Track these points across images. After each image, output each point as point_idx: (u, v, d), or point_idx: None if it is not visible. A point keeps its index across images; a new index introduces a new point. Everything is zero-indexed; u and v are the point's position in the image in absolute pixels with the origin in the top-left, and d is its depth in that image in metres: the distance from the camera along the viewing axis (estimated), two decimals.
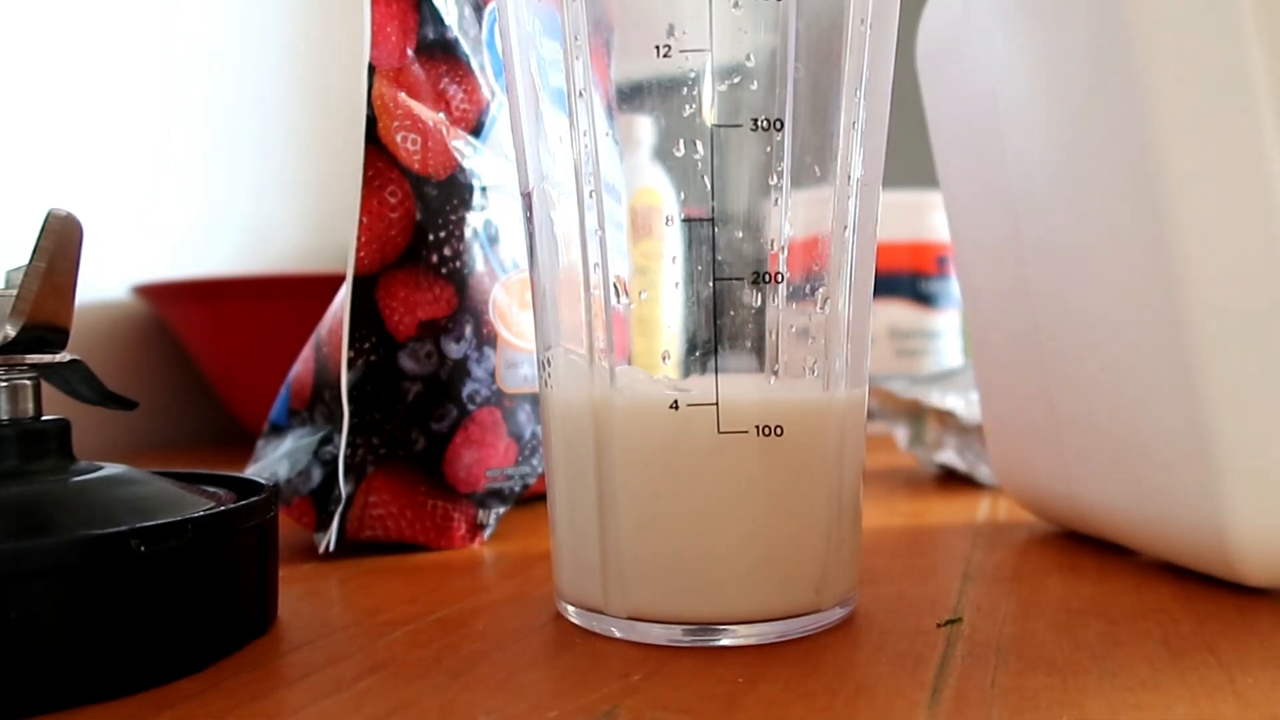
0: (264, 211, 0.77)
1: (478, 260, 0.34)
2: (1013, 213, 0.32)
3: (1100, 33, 0.27)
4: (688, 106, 0.22)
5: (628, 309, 0.23)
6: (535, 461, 0.36)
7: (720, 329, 0.23)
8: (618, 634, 0.24)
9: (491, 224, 0.35)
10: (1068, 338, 0.31)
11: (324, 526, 0.33)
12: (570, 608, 0.25)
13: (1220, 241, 0.25)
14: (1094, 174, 0.28)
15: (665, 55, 0.22)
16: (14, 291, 0.23)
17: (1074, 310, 0.30)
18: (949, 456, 0.47)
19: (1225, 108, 0.24)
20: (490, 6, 0.37)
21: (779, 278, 0.23)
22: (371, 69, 0.33)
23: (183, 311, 0.62)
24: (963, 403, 0.46)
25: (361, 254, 0.32)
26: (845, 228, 0.24)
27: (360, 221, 0.32)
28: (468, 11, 0.36)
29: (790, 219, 0.23)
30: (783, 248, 0.23)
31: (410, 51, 0.34)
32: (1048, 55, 0.29)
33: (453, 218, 0.34)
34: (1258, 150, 0.24)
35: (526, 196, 0.25)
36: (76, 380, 0.25)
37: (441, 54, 0.34)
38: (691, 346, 0.23)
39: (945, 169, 0.36)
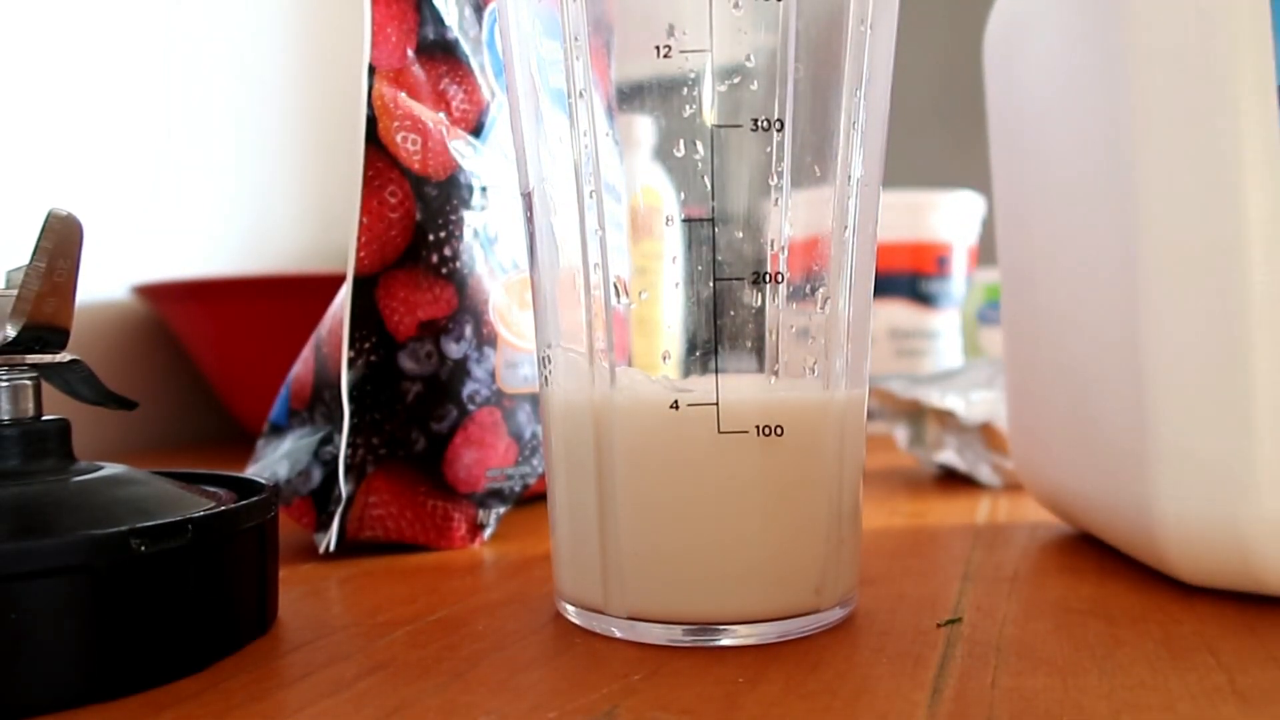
0: (264, 211, 0.77)
1: (478, 260, 0.34)
2: (1025, 204, 0.32)
3: (1100, 33, 0.27)
4: (688, 107, 0.22)
5: (628, 309, 0.23)
6: (535, 461, 0.36)
7: (720, 329, 0.23)
8: (618, 634, 0.24)
9: (491, 224, 0.35)
10: (1055, 326, 0.31)
11: (324, 526, 0.33)
12: (570, 608, 0.25)
13: (1178, 234, 0.26)
14: (1081, 164, 0.29)
15: (665, 55, 0.22)
16: (14, 291, 0.23)
17: (1058, 298, 0.31)
18: (949, 456, 0.47)
19: (1201, 113, 0.25)
20: (490, 7, 0.37)
21: (779, 278, 0.23)
22: (371, 69, 0.33)
23: (183, 311, 0.62)
24: (963, 403, 0.46)
25: (361, 254, 0.32)
26: (845, 228, 0.24)
27: (360, 221, 0.32)
28: (468, 12, 0.36)
29: (790, 219, 0.23)
30: (783, 248, 0.23)
31: (410, 52, 0.34)
32: (1064, 54, 0.30)
33: (453, 218, 0.34)
34: (1226, 156, 0.25)
35: (527, 197, 0.25)
36: (76, 380, 0.25)
37: (441, 54, 0.34)
38: (691, 346, 0.23)
39: (995, 163, 0.37)
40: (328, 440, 0.34)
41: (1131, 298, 0.27)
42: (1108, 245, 0.28)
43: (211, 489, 0.26)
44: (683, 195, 0.23)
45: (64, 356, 0.24)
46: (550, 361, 0.25)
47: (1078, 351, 0.30)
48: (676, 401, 0.23)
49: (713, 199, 0.23)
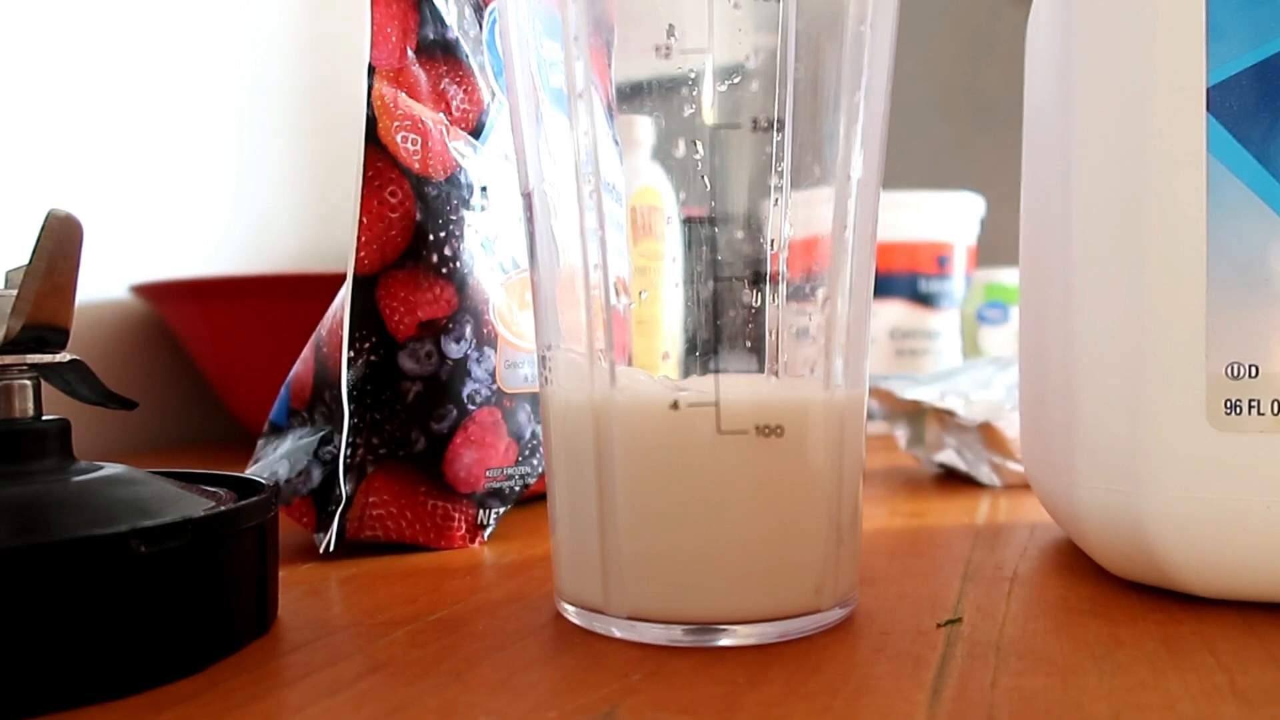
0: (264, 211, 0.77)
1: (478, 260, 0.34)
2: (1027, 202, 0.33)
3: (1060, 38, 0.29)
4: (687, 107, 0.22)
5: (628, 309, 0.23)
6: (535, 461, 0.36)
7: (720, 329, 0.23)
8: (618, 634, 0.24)
9: (492, 224, 0.35)
10: (1031, 326, 0.32)
11: (324, 526, 0.33)
12: (570, 608, 0.25)
13: (1100, 232, 0.27)
14: (1049, 165, 0.30)
15: (665, 55, 0.22)
16: (14, 291, 0.23)
17: (1037, 298, 0.32)
18: (949, 456, 0.47)
19: (1126, 128, 0.26)
20: (490, 6, 0.37)
21: (779, 278, 0.23)
22: (371, 69, 0.33)
23: (183, 311, 0.62)
24: (963, 403, 0.46)
25: (361, 254, 0.32)
26: (845, 228, 0.24)
27: (360, 221, 0.32)
28: (468, 11, 0.36)
29: (790, 219, 0.23)
30: (783, 248, 0.23)
31: (410, 52, 0.34)
32: (1049, 56, 0.30)
33: (453, 218, 0.34)
34: (1141, 165, 0.26)
35: (526, 197, 0.25)
36: (76, 380, 0.25)
37: (441, 54, 0.34)
38: (691, 346, 0.23)
39: (1023, 161, 0.38)
40: (328, 440, 0.34)
41: (1066, 294, 0.28)
42: (1057, 243, 0.29)
43: (211, 489, 0.26)
44: (682, 195, 0.23)
45: (64, 356, 0.24)
46: (550, 361, 0.25)
47: (1044, 348, 0.31)
48: (676, 401, 0.23)
49: (712, 199, 0.23)
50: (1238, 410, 0.24)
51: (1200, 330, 0.25)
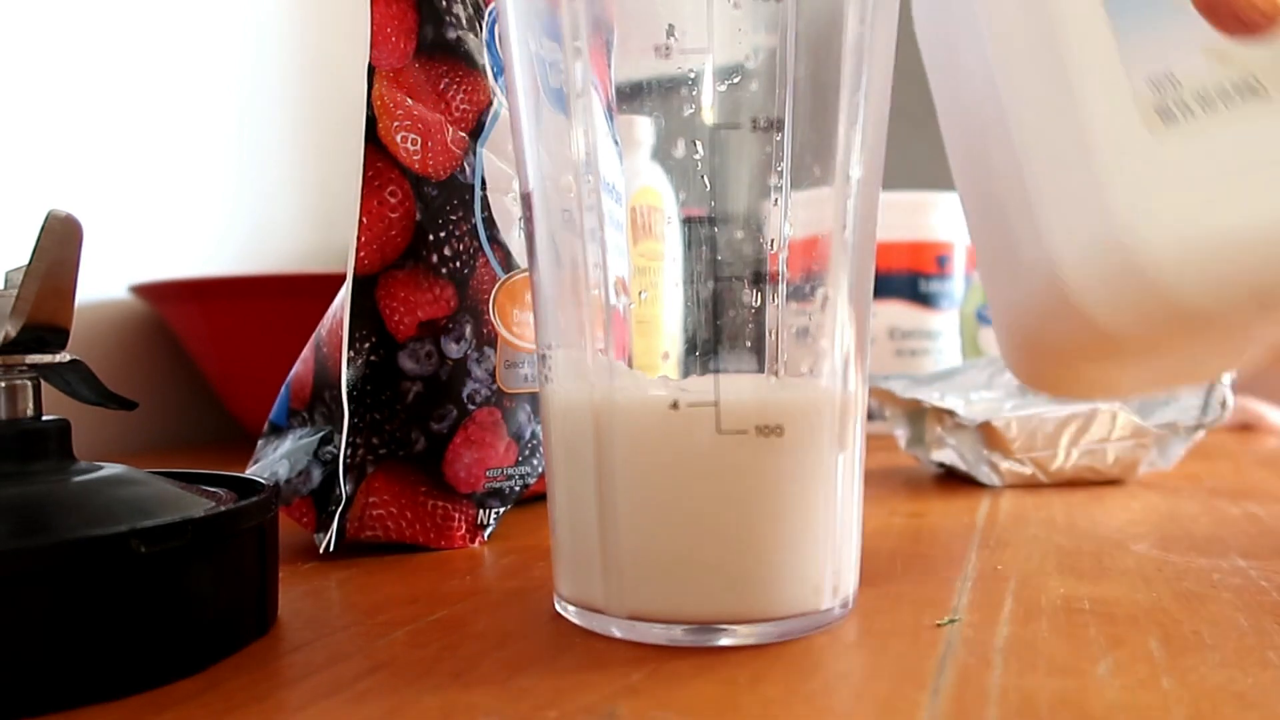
0: (264, 211, 0.77)
1: (478, 260, 0.34)
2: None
3: None
4: (687, 107, 0.22)
5: (628, 309, 0.23)
6: (535, 461, 0.36)
7: (720, 329, 0.23)
8: (618, 634, 0.24)
9: (492, 224, 0.35)
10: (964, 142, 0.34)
11: (324, 526, 0.33)
12: (570, 608, 0.25)
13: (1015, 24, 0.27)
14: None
15: (665, 55, 0.22)
16: (14, 291, 0.23)
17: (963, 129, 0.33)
18: (949, 456, 0.47)
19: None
20: (490, 6, 0.37)
21: (779, 278, 0.23)
22: (371, 69, 0.33)
23: (183, 311, 0.62)
24: (962, 403, 0.46)
25: (361, 254, 0.32)
26: (845, 228, 0.24)
27: (360, 221, 0.32)
28: (468, 11, 0.36)
29: (790, 219, 0.23)
30: (782, 248, 0.23)
31: (410, 52, 0.34)
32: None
33: (453, 218, 0.34)
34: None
35: (526, 197, 0.25)
36: (76, 380, 0.25)
37: (442, 54, 0.34)
38: (691, 346, 0.23)
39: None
40: (328, 440, 0.34)
41: (991, 76, 0.28)
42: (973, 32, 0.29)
43: (211, 489, 0.26)
44: (682, 195, 0.23)
45: (64, 356, 0.24)
46: (550, 361, 0.25)
47: (982, 156, 0.31)
48: (676, 401, 0.23)
49: (712, 199, 0.23)
50: (1171, 117, 0.25)
51: (1115, 54, 0.26)
